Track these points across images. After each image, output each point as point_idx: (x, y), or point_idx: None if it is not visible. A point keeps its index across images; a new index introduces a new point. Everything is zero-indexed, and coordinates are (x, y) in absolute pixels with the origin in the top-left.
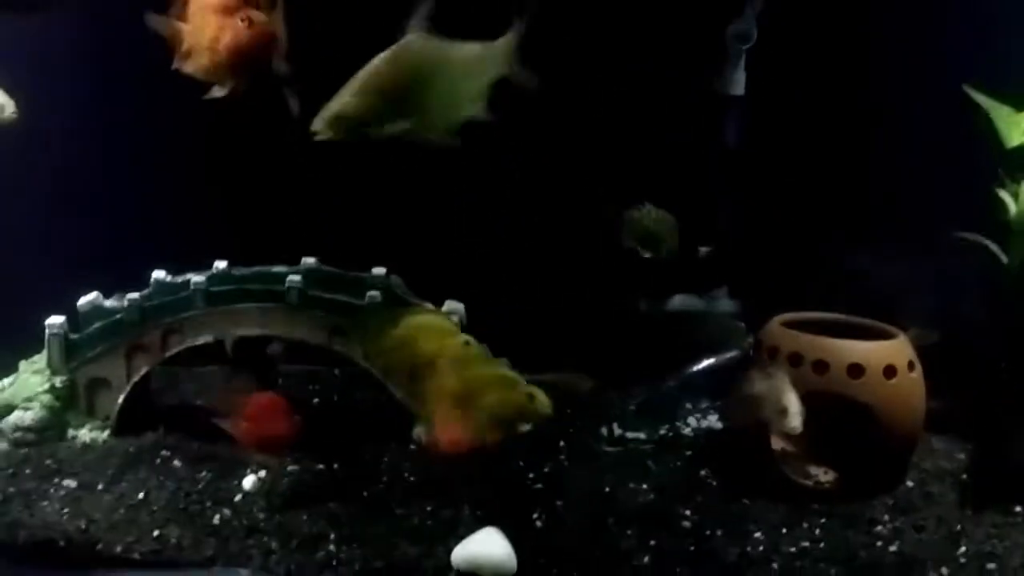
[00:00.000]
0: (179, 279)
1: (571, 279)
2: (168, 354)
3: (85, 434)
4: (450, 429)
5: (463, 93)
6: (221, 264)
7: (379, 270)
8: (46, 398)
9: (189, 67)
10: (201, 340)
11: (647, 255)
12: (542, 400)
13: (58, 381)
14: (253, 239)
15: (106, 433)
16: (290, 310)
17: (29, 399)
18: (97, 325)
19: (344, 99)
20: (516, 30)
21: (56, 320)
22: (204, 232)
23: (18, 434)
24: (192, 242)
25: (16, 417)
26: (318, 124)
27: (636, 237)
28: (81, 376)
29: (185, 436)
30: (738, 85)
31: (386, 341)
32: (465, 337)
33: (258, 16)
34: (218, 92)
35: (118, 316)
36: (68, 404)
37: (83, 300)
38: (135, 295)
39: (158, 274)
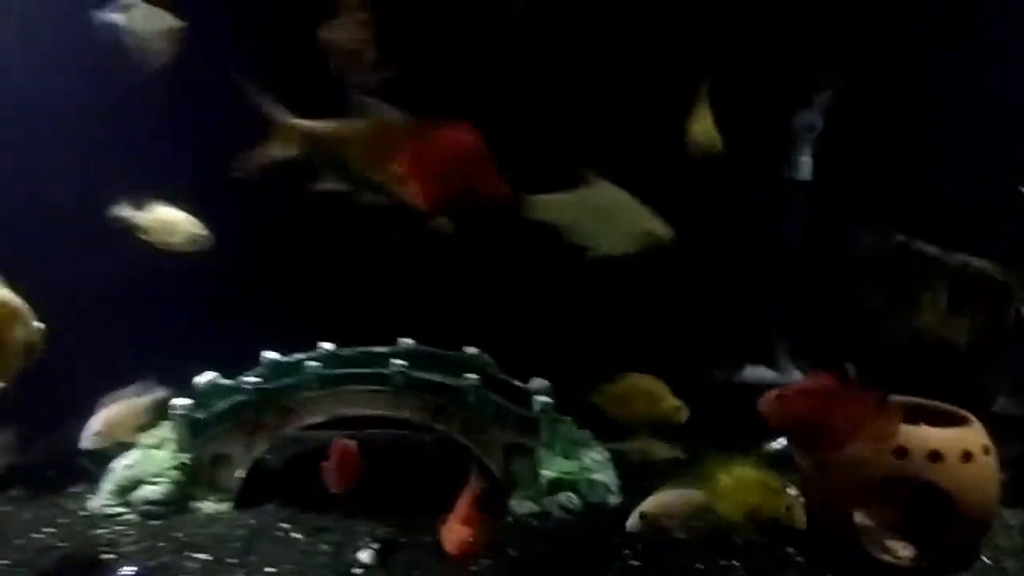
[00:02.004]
0: (290, 359)
1: (650, 351)
2: (284, 432)
3: (209, 506)
4: (456, 531)
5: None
6: (327, 345)
7: (471, 350)
8: (173, 473)
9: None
10: (315, 419)
11: None
12: (799, 514)
13: (184, 458)
14: (341, 318)
15: (228, 505)
16: (396, 392)
17: (156, 475)
18: (221, 405)
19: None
20: None
21: (182, 402)
22: (297, 311)
23: (147, 507)
24: (283, 321)
25: (145, 492)
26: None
27: None
28: (204, 452)
29: (300, 508)
30: (805, 170)
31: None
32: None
33: None
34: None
35: (241, 397)
36: (192, 478)
37: (201, 378)
38: (253, 377)
39: (269, 354)
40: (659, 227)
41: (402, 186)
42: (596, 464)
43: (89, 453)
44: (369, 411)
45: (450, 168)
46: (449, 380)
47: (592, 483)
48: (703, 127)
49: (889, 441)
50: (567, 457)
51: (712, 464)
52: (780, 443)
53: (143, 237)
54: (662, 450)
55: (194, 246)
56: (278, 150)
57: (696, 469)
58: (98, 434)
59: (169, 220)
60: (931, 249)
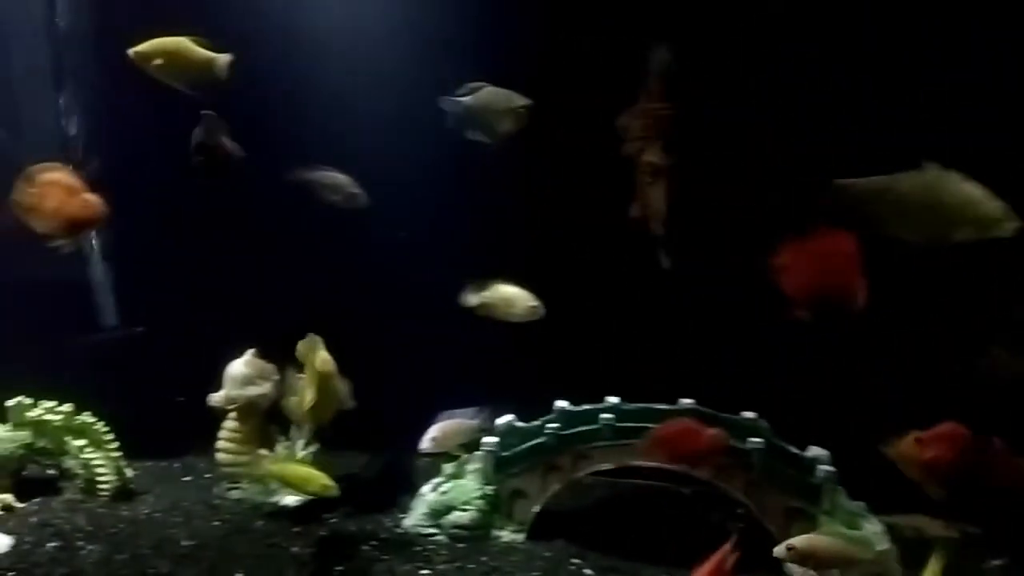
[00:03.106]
0: (581, 409)
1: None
2: (577, 475)
3: (507, 535)
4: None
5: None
6: (612, 399)
7: (749, 414)
8: (478, 503)
9: None
10: (605, 466)
11: None
12: None
13: (488, 490)
14: (620, 373)
15: (522, 536)
16: None
17: (465, 502)
18: (523, 447)
19: None
20: None
21: (490, 440)
22: (581, 364)
23: (455, 531)
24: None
25: (455, 516)
26: None
27: None
28: (505, 487)
29: (587, 546)
30: None
31: None
32: None
33: None
34: None
35: (540, 440)
36: (493, 508)
37: (501, 420)
38: (552, 424)
39: (561, 403)
40: (1002, 212)
41: (779, 275)
42: (876, 536)
43: (423, 456)
44: (656, 463)
45: (827, 271)
46: (734, 441)
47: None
48: None
49: None
50: (849, 527)
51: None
52: None
53: (486, 312)
54: (936, 528)
55: (530, 317)
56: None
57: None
58: (435, 440)
59: (509, 296)
60: None
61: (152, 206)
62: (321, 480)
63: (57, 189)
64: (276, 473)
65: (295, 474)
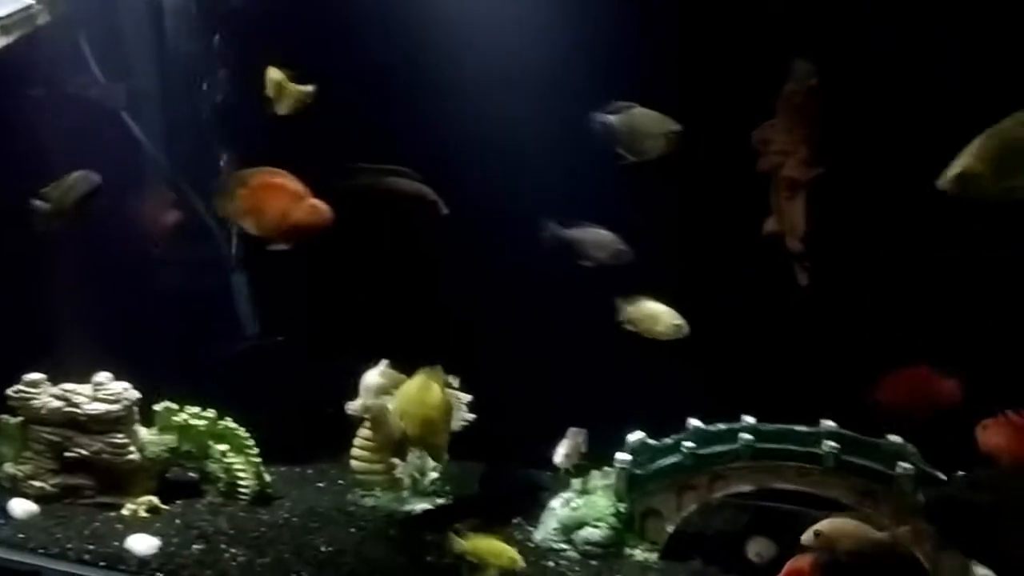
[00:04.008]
0: (716, 428)
1: None
2: (713, 496)
3: (639, 554)
4: None
5: None
6: (748, 419)
7: (895, 438)
8: (611, 520)
9: None
10: (743, 488)
11: None
12: None
13: (622, 507)
14: (754, 391)
15: (655, 556)
16: (825, 472)
17: (598, 519)
18: (659, 465)
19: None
20: None
21: (624, 456)
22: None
23: (587, 547)
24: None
25: (587, 532)
26: (943, 182)
27: None
28: (639, 505)
29: (721, 569)
30: None
31: None
32: None
33: None
34: None
35: (676, 459)
36: (626, 526)
37: (633, 437)
38: (688, 443)
39: (694, 422)
40: None
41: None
42: None
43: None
44: (796, 487)
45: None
46: (881, 467)
47: None
48: None
49: None
50: None
51: None
52: None
53: (630, 327)
54: None
55: (674, 335)
56: None
57: None
58: (567, 456)
59: (654, 313)
60: None
61: None
62: (509, 554)
63: (282, 193)
64: (468, 547)
65: (486, 548)
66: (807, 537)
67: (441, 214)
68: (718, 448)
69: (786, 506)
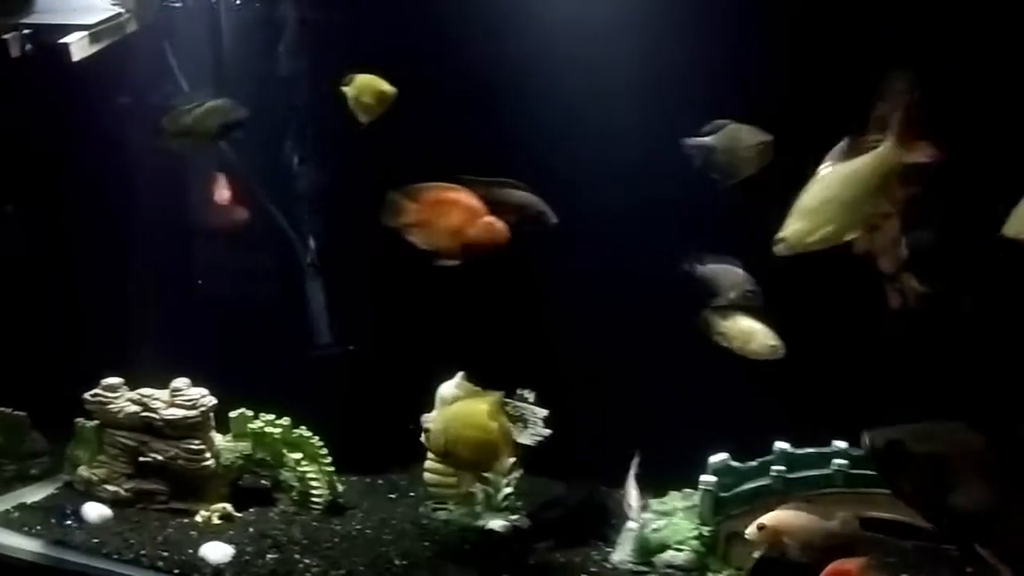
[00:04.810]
0: (805, 452)
1: None
2: None
3: None
4: None
5: None
6: (840, 443)
7: None
8: (694, 543)
9: None
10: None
11: None
12: None
13: (705, 530)
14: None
15: None
16: None
17: (680, 542)
18: (746, 488)
19: None
20: None
21: (709, 479)
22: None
23: (668, 571)
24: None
25: (669, 556)
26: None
27: None
28: (723, 529)
29: None
30: None
31: None
32: None
33: None
34: None
35: (765, 483)
36: (710, 550)
37: (715, 458)
38: (777, 466)
39: (781, 444)
40: None
41: None
42: None
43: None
44: (890, 515)
45: None
46: None
47: None
48: None
49: None
50: None
51: None
52: None
53: (723, 343)
54: None
55: (768, 355)
56: None
57: None
58: (638, 509)
59: (749, 330)
60: None
61: (370, 227)
62: None
63: (458, 209)
64: None
65: None
66: (751, 531)
67: (550, 224)
68: (810, 473)
69: (877, 535)
